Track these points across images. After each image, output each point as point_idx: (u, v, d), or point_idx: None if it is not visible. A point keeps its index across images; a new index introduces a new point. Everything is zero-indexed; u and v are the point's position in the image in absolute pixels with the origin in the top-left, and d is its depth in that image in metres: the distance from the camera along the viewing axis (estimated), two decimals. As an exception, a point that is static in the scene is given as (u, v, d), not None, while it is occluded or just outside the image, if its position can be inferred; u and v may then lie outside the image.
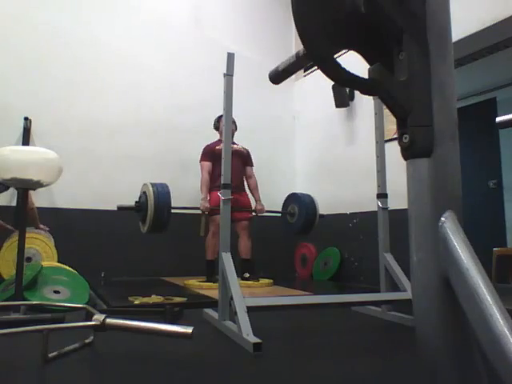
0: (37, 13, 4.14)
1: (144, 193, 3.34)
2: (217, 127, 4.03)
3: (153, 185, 3.31)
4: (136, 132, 4.45)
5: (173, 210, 3.32)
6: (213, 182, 3.80)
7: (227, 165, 2.23)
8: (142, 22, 4.61)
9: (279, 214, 4.05)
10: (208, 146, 3.97)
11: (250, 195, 4.10)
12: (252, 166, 4.14)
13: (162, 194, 3.26)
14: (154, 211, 3.18)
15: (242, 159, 4.03)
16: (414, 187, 0.74)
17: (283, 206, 4.06)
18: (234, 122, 3.92)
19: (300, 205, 3.85)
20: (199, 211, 3.77)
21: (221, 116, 3.78)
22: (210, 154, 3.88)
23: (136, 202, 3.36)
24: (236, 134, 3.97)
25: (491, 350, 0.58)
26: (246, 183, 4.12)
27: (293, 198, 3.98)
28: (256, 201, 4.04)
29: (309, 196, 3.92)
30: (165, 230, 3.37)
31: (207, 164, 3.90)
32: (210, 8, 5.02)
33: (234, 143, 3.93)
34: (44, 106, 4.07)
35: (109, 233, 4.09)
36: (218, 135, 4.00)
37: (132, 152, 4.40)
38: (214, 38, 4.85)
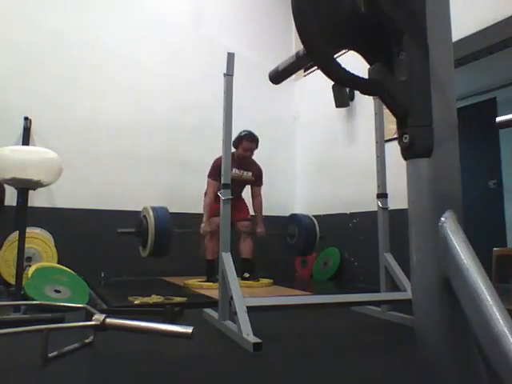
0: (37, 13, 4.14)
1: (144, 217, 3.33)
2: (236, 146, 3.77)
3: (153, 209, 3.29)
4: (136, 132, 4.45)
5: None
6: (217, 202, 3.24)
7: (227, 164, 2.24)
8: (143, 22, 4.61)
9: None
10: (218, 162, 3.35)
11: (248, 202, 4.07)
12: (260, 185, 4.01)
13: (162, 218, 3.23)
14: (154, 236, 3.16)
15: (248, 182, 3.97)
16: (414, 187, 0.74)
17: (283, 227, 4.06)
18: (257, 141, 3.85)
19: (300, 226, 3.86)
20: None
21: (243, 137, 3.75)
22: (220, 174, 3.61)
23: (136, 226, 3.33)
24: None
25: (491, 349, 0.58)
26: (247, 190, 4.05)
27: (293, 220, 4.00)
28: (257, 222, 3.95)
29: (309, 217, 3.94)
30: (166, 254, 3.35)
31: (216, 184, 3.53)
32: (210, 8, 5.03)
33: (246, 168, 3.86)
34: (44, 106, 4.07)
35: (109, 233, 4.08)
36: (233, 149, 3.53)
37: (132, 152, 4.41)
38: (214, 37, 4.85)
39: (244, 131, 3.80)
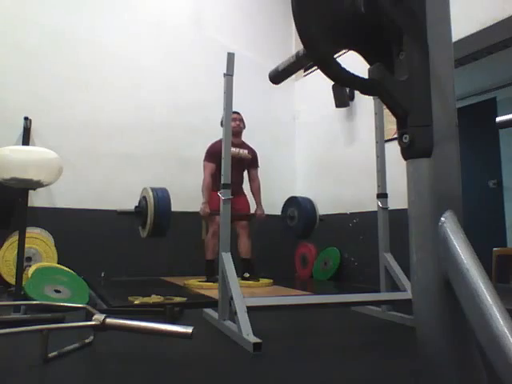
0: (37, 13, 4.14)
1: (144, 197, 3.33)
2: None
3: (153, 189, 3.29)
4: (136, 132, 4.45)
5: (173, 210, 3.31)
6: (215, 184, 3.60)
7: (227, 165, 2.23)
8: (143, 23, 4.62)
9: (279, 214, 4.05)
10: (214, 145, 3.77)
11: (249, 197, 4.07)
12: (256, 168, 4.05)
13: (161, 198, 3.24)
14: (153, 216, 3.16)
15: (246, 163, 3.97)
16: (414, 187, 0.74)
17: (283, 209, 4.04)
18: (241, 120, 3.90)
19: (300, 208, 3.84)
20: (199, 211, 3.76)
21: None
22: (216, 156, 3.71)
23: (136, 206, 3.34)
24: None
25: (491, 349, 0.58)
26: (248, 185, 4.07)
27: (292, 202, 3.98)
28: (256, 204, 3.96)
29: (309, 200, 3.92)
30: (164, 235, 3.36)
31: (211, 166, 3.72)
32: (210, 8, 5.03)
33: (240, 146, 3.88)
34: (44, 106, 4.07)
35: (109, 233, 4.09)
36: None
37: (132, 152, 4.41)
38: (214, 38, 4.85)
39: None
